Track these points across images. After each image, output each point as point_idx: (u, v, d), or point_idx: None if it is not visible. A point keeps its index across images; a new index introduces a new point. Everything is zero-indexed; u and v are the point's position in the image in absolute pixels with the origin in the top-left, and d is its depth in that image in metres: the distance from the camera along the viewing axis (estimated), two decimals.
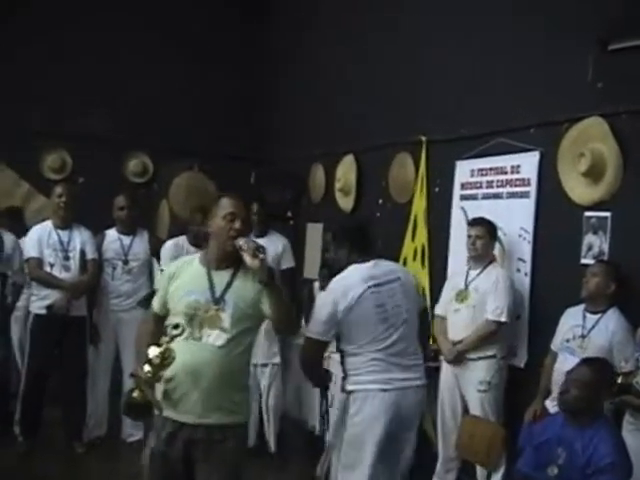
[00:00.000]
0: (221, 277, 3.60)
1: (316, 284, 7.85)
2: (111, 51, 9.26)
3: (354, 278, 4.34)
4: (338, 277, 4.39)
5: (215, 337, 3.52)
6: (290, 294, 7.07)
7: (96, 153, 9.03)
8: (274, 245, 6.96)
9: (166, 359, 3.37)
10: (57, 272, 6.28)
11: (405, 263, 7.06)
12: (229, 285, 3.58)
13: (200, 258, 3.71)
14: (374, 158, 7.70)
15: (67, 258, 6.34)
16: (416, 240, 6.97)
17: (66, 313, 6.25)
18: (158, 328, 3.66)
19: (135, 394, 3.38)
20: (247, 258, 3.44)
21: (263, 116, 10.03)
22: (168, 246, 6.58)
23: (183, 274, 3.66)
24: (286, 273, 7.06)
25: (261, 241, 6.73)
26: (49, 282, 6.26)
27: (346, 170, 8.17)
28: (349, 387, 4.34)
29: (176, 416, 3.56)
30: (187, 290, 3.59)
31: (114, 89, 9.32)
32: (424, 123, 6.95)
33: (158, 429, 3.61)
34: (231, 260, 3.60)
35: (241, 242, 3.47)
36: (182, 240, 6.63)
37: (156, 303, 3.73)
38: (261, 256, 3.43)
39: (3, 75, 8.77)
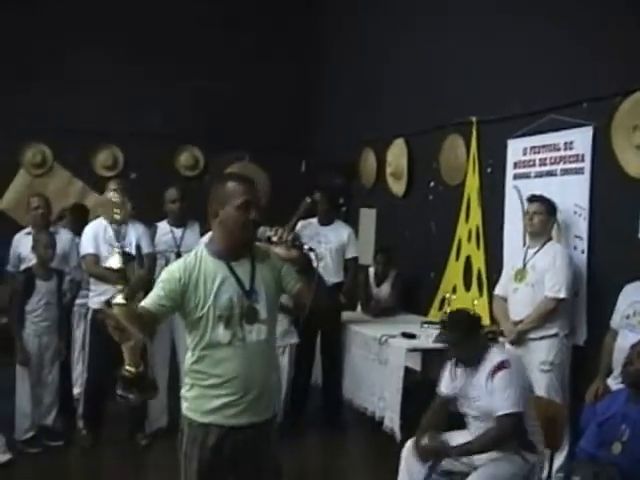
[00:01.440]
0: (243, 268, 3.33)
1: (371, 270, 7.88)
2: (160, 47, 9.36)
3: None
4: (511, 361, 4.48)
5: (257, 332, 3.32)
6: (354, 283, 7.19)
7: (147, 148, 9.16)
8: (339, 234, 7.06)
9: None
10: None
11: (460, 245, 7.09)
12: (253, 275, 3.33)
13: (209, 251, 3.35)
14: (424, 141, 7.70)
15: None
16: (470, 221, 6.97)
17: None
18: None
19: (127, 368, 3.11)
20: (280, 250, 3.25)
21: (312, 104, 10.08)
22: (203, 240, 6.49)
23: (200, 275, 3.29)
24: (351, 262, 7.13)
25: (327, 230, 7.04)
26: (107, 278, 6.16)
27: (397, 154, 8.17)
28: None
29: (224, 421, 3.33)
30: (216, 291, 3.28)
31: (163, 84, 9.43)
32: (474, 103, 6.92)
33: (199, 438, 3.34)
34: (246, 248, 3.35)
35: (270, 233, 3.24)
36: None
37: (154, 299, 3.22)
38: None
39: (54, 74, 8.91)
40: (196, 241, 6.65)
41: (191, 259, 3.34)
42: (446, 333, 4.61)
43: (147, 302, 3.23)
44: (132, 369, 3.14)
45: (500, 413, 4.27)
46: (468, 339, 4.46)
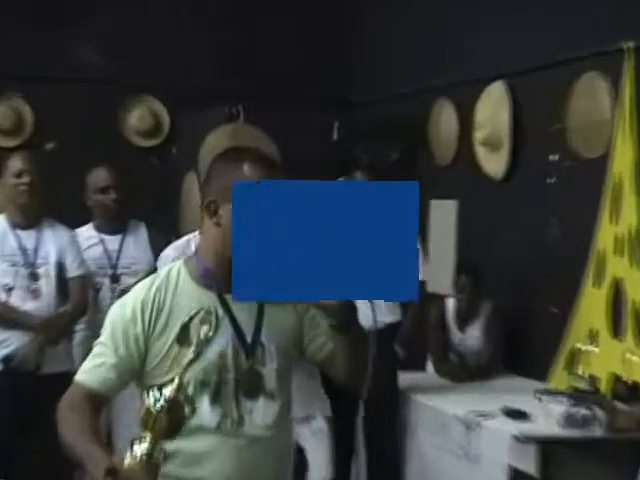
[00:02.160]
0: (245, 306, 3.32)
1: (450, 302, 7.93)
2: None
3: None
4: None
5: (262, 411, 3.33)
6: (419, 324, 7.13)
7: (74, 101, 9.25)
8: None
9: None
10: (18, 301, 6.26)
11: (603, 260, 6.99)
12: (261, 318, 3.35)
13: (191, 273, 3.37)
14: (540, 85, 7.68)
15: (35, 276, 6.35)
16: (620, 221, 6.86)
17: (37, 369, 6.22)
18: (94, 418, 3.27)
19: None
20: None
21: (347, 28, 10.20)
22: (168, 254, 6.04)
23: (173, 312, 3.30)
24: None
25: None
26: (5, 319, 6.24)
27: (493, 109, 8.19)
28: None
29: None
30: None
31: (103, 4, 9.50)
32: (627, 19, 6.79)
33: None
34: None
35: None
36: (193, 239, 6.40)
37: (101, 372, 3.27)
38: None
39: None
40: (144, 255, 6.82)
41: (160, 284, 3.34)
42: None
43: (87, 375, 3.26)
44: None
45: None
46: None
